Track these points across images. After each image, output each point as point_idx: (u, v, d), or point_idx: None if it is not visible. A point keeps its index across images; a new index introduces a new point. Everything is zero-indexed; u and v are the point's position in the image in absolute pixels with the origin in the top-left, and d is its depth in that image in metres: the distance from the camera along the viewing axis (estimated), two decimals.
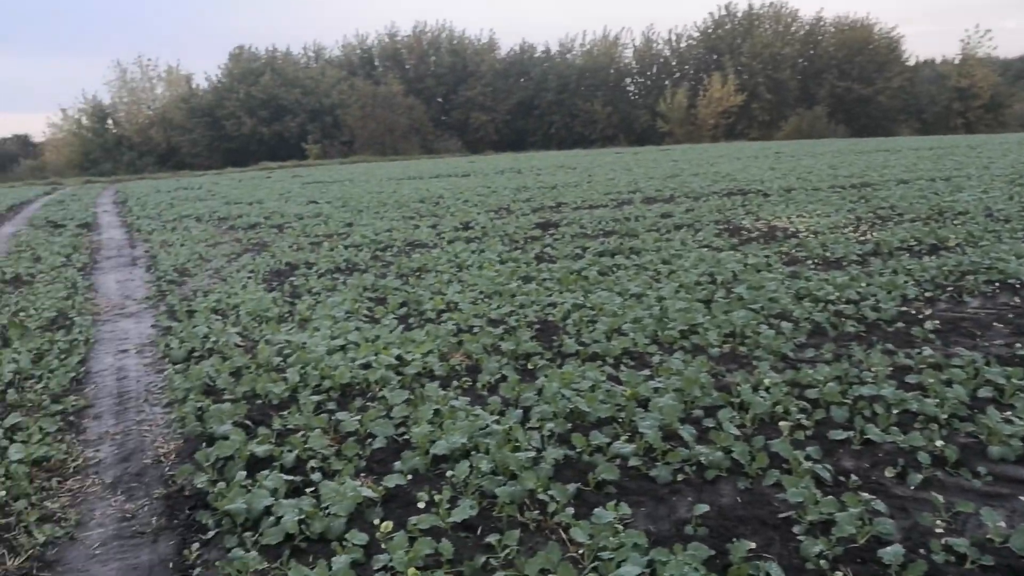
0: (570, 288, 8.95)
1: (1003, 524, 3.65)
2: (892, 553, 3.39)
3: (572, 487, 4.10)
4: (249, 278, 10.69)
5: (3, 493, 4.40)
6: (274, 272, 11.28)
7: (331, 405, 5.52)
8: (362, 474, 4.49)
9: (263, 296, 9.16)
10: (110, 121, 67.66)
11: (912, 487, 4.13)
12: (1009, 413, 4.87)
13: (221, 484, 4.33)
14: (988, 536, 3.58)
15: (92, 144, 64.88)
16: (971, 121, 71.00)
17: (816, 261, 10.36)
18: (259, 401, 5.75)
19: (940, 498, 3.91)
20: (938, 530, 3.69)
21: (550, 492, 4.04)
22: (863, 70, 72.54)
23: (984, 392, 5.23)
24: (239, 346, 7.22)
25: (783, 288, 8.41)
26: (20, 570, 3.71)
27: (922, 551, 3.51)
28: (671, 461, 4.42)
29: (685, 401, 5.28)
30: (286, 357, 6.69)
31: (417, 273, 10.57)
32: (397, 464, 4.53)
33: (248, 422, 5.25)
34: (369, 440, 4.89)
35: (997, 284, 8.63)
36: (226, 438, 4.86)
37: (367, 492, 4.13)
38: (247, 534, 3.87)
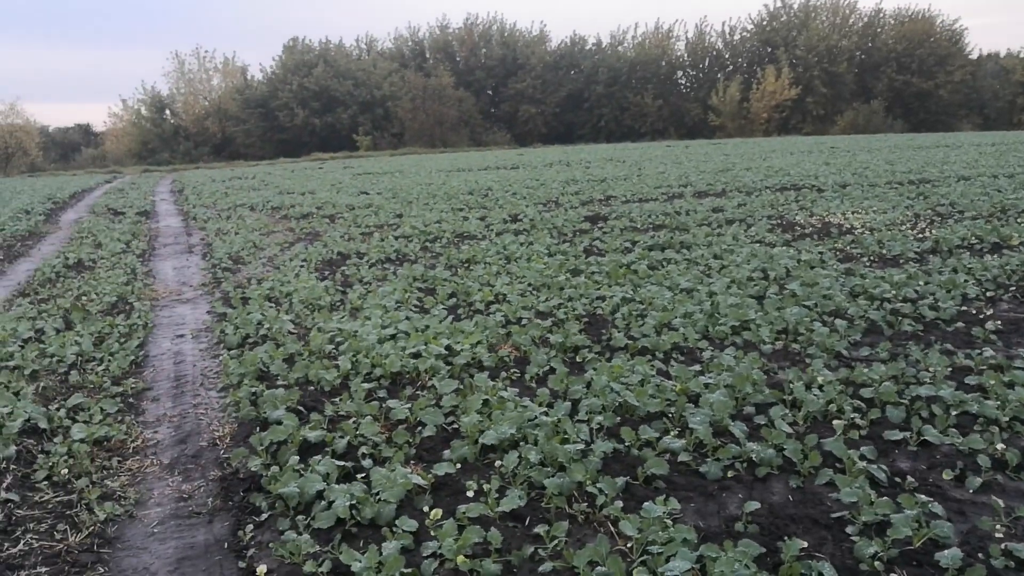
0: (619, 282, 8.90)
1: None
2: (950, 557, 3.31)
3: (621, 480, 4.09)
4: (302, 267, 10.86)
5: (66, 471, 4.55)
6: (326, 261, 11.44)
7: (382, 393, 5.59)
8: (412, 461, 4.53)
9: (315, 285, 9.30)
10: (168, 112, 69.32)
11: (971, 490, 4.02)
12: None
13: (274, 468, 4.42)
14: None
15: (150, 134, 66.57)
16: None
17: (872, 258, 10.15)
18: (311, 387, 5.84)
19: (1000, 502, 3.80)
20: (998, 535, 3.59)
21: (599, 485, 4.03)
22: (923, 63, 70.68)
23: None
24: (292, 333, 7.34)
25: (837, 285, 8.26)
26: (82, 546, 3.84)
27: (980, 556, 3.42)
28: (721, 457, 4.38)
29: (736, 397, 5.22)
30: (338, 345, 6.79)
31: (466, 264, 10.62)
32: (446, 453, 4.56)
33: (301, 408, 5.34)
34: (419, 428, 4.94)
35: None
36: (279, 423, 4.96)
37: (417, 479, 4.17)
38: (299, 517, 3.94)
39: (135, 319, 8.17)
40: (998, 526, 3.66)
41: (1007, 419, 4.75)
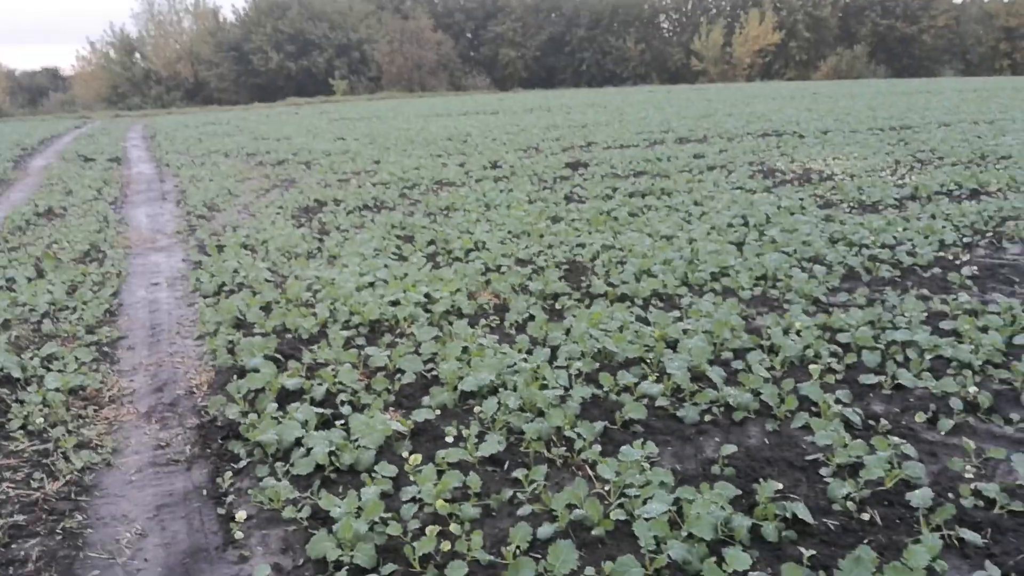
0: (599, 229, 8.87)
1: None
2: (920, 496, 3.37)
3: (599, 425, 4.11)
4: (278, 214, 10.72)
5: (41, 420, 4.51)
6: (303, 208, 11.30)
7: (360, 340, 5.56)
8: (391, 408, 4.53)
9: (292, 232, 9.19)
10: (138, 55, 67.51)
11: (943, 432, 4.09)
12: None
13: (252, 415, 4.40)
14: (1019, 482, 3.55)
15: (120, 78, 64.90)
16: (1017, 63, 68.64)
17: (852, 204, 10.16)
18: (289, 335, 5.80)
19: (971, 444, 3.87)
20: (968, 475, 3.66)
21: (577, 429, 4.06)
22: (907, 7, 70.15)
23: (1020, 339, 5.13)
24: (269, 281, 7.27)
25: (817, 231, 8.27)
26: (59, 494, 3.82)
27: (951, 495, 3.49)
28: (699, 402, 4.41)
29: (714, 343, 5.24)
30: (315, 293, 6.73)
31: (445, 212, 10.53)
32: (426, 399, 4.56)
33: (278, 356, 5.30)
34: (398, 375, 4.93)
35: None
36: (257, 371, 4.93)
37: (396, 426, 4.17)
38: (278, 464, 3.94)
39: (108, 267, 8.05)
40: (968, 467, 3.72)
41: (980, 363, 4.81)
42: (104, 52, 67.14)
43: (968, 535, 3.17)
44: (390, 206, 11.15)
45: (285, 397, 4.68)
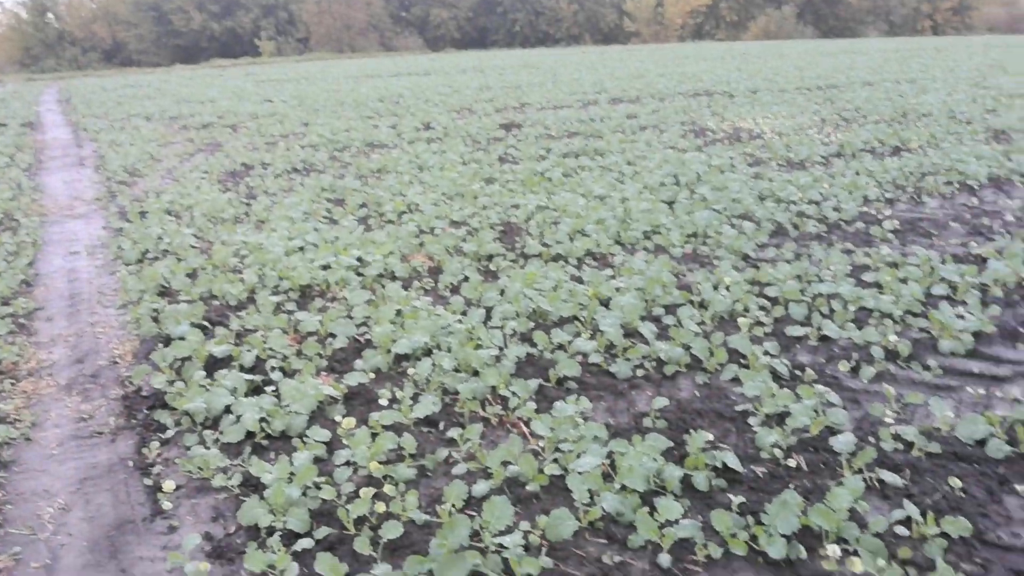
0: (533, 190, 8.84)
1: (950, 414, 3.75)
2: (843, 442, 3.48)
3: (534, 383, 4.13)
4: (203, 179, 10.39)
5: None
6: (229, 173, 10.97)
7: (290, 306, 5.45)
8: (323, 373, 4.46)
9: (218, 197, 8.92)
10: (51, 15, 64.21)
11: (865, 380, 4.22)
12: (961, 309, 4.97)
13: (179, 384, 4.28)
14: (936, 425, 3.69)
15: (33, 39, 61.72)
16: (938, 23, 70.55)
17: (780, 162, 10.34)
18: (216, 302, 5.65)
19: (891, 390, 4.00)
20: (888, 420, 3.79)
21: (512, 388, 4.06)
22: None
23: (938, 289, 5.32)
24: (194, 247, 7.06)
25: (746, 189, 8.40)
26: None
27: (872, 439, 3.61)
28: (631, 357, 4.46)
29: (646, 300, 5.29)
30: (243, 258, 6.56)
31: (377, 174, 10.35)
32: (358, 363, 4.50)
33: (206, 323, 5.16)
34: (330, 340, 4.85)
35: (956, 185, 8.71)
36: (183, 339, 4.79)
37: (328, 390, 4.11)
38: (207, 433, 3.85)
39: (23, 236, 7.70)
40: (888, 412, 3.86)
41: (900, 313, 4.97)
42: (14, 12, 63.70)
43: (888, 476, 3.29)
44: (320, 169, 10.91)
45: (213, 365, 4.56)
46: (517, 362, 4.45)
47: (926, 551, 2.88)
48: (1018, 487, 3.26)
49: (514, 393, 4.04)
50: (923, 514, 3.05)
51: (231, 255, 6.57)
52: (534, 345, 4.67)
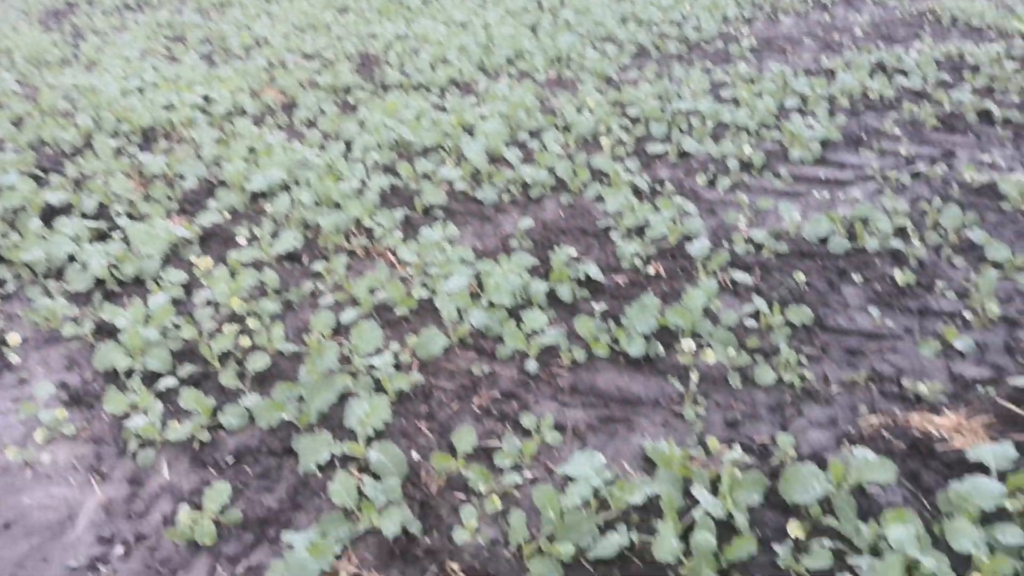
0: (391, 18, 8.38)
1: (798, 216, 3.96)
2: (699, 247, 3.62)
3: (399, 213, 4.05)
4: (21, 19, 9.27)
5: None
6: (50, 12, 9.82)
7: (132, 149, 5.05)
8: (174, 215, 4.22)
9: (40, 38, 8.00)
10: None
11: (721, 191, 4.36)
12: (811, 120, 5.15)
13: (14, 236, 3.95)
14: (785, 228, 3.89)
15: None
16: None
17: None
18: (48, 149, 5.17)
19: (745, 198, 4.16)
20: (741, 226, 3.96)
21: (376, 219, 3.98)
22: None
23: (790, 102, 5.47)
24: (17, 93, 6.37)
25: (609, 12, 8.24)
26: None
27: (726, 244, 3.78)
28: (497, 182, 4.43)
29: (511, 125, 5.21)
30: (74, 102, 5.98)
31: (219, 7, 9.52)
32: (212, 203, 4.27)
33: (38, 171, 4.73)
34: (179, 181, 4.56)
35: (811, 3, 8.84)
36: (13, 188, 4.39)
37: (181, 232, 3.89)
38: (51, 283, 3.61)
39: None
40: (742, 218, 4.02)
41: (755, 126, 5.10)
42: None
43: (740, 276, 3.47)
44: (155, 4, 9.92)
45: (50, 214, 4.22)
46: (381, 193, 4.34)
47: (772, 339, 3.10)
48: (855, 277, 3.51)
49: (379, 224, 3.96)
50: (770, 306, 3.25)
51: (60, 99, 5.97)
52: (398, 176, 4.55)
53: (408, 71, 6.48)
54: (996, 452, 2.38)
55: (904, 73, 6.10)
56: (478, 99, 5.78)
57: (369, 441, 2.55)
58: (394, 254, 3.75)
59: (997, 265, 3.56)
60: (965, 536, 2.11)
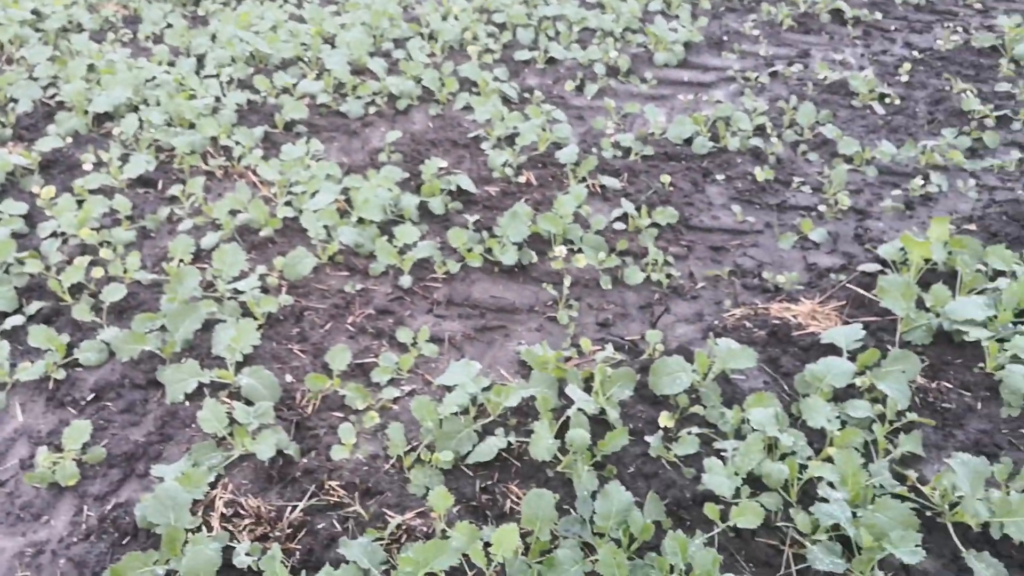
0: None
1: (663, 119, 4.03)
2: (567, 153, 3.63)
3: (259, 130, 3.85)
4: None
5: None
6: None
7: None
8: (9, 143, 3.87)
9: None
10: None
11: (589, 97, 4.36)
12: (675, 22, 5.19)
13: None
14: (650, 131, 3.95)
15: None
16: None
17: None
18: None
19: (612, 103, 4.18)
20: (608, 131, 3.99)
21: (234, 138, 3.77)
22: None
23: (654, 6, 5.47)
24: None
25: None
26: None
27: (594, 150, 3.81)
28: (362, 95, 4.27)
29: (374, 35, 5.00)
30: None
31: None
32: (51, 128, 3.93)
33: None
34: (11, 106, 4.16)
35: None
36: None
37: (18, 159, 3.57)
38: None
39: None
40: (609, 124, 4.05)
41: (620, 30, 5.10)
42: None
43: (608, 181, 3.51)
44: None
45: None
46: (238, 110, 4.11)
47: (640, 241, 3.17)
48: (718, 176, 3.62)
49: (238, 143, 3.76)
50: (638, 209, 3.32)
51: None
52: (256, 91, 4.31)
53: None
54: (847, 334, 2.55)
55: None
56: (338, 7, 5.51)
57: (239, 367, 2.47)
58: (255, 173, 3.58)
59: (848, 159, 3.74)
60: (819, 413, 2.26)
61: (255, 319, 2.67)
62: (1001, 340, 2.51)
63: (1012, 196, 3.42)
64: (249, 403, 2.35)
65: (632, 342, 2.69)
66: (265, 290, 2.85)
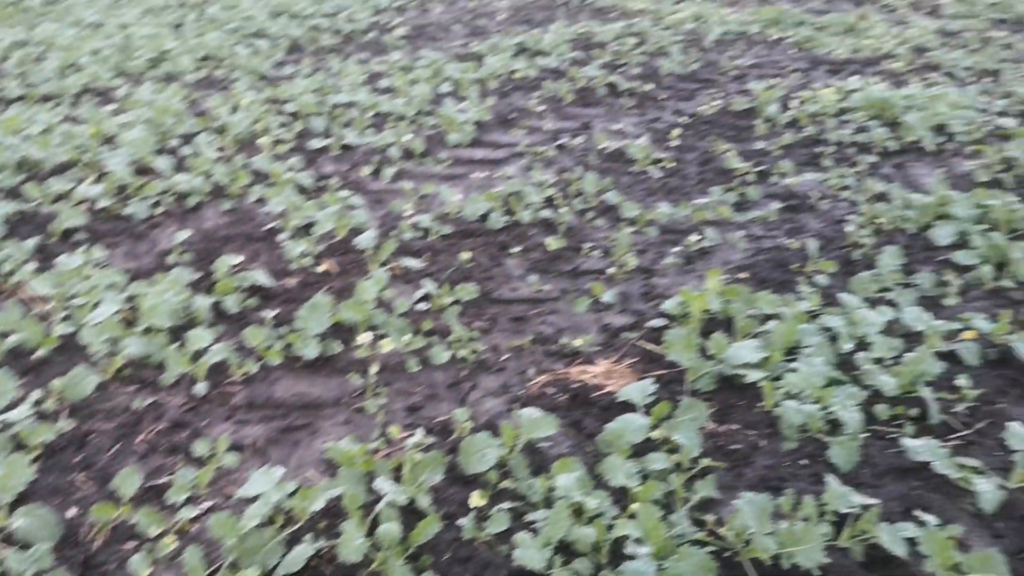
0: (8, 23, 7.38)
1: (459, 197, 4.14)
2: (366, 238, 3.64)
3: (31, 242, 3.59)
4: None
5: None
6: None
7: None
8: None
9: None
10: None
11: (385, 181, 4.42)
12: (464, 104, 5.39)
13: None
14: (447, 210, 4.04)
15: None
16: None
17: None
18: None
19: (409, 185, 4.26)
20: (407, 213, 4.05)
21: (3, 252, 3.50)
22: None
23: (444, 88, 5.68)
24: None
25: (259, 6, 7.97)
26: None
27: (394, 232, 3.84)
28: (148, 195, 4.10)
29: (159, 132, 4.84)
30: None
31: None
32: None
33: None
34: None
35: None
36: None
37: None
38: None
39: None
40: (407, 205, 4.11)
41: (413, 113, 5.23)
42: None
43: (409, 262, 3.54)
44: None
45: None
46: (7, 221, 3.82)
47: (444, 319, 3.21)
48: (514, 249, 3.75)
49: (7, 257, 3.49)
50: (440, 287, 3.36)
51: None
52: (28, 200, 4.04)
53: (33, 81, 5.77)
54: (640, 389, 2.68)
55: (544, 54, 6.60)
56: (118, 106, 5.30)
57: (12, 508, 2.24)
58: (27, 289, 3.32)
59: (631, 222, 3.99)
60: (620, 471, 2.35)
61: (29, 451, 2.44)
62: (776, 379, 2.73)
63: (775, 244, 3.77)
64: (25, 547, 2.13)
65: (441, 423, 2.69)
66: (42, 416, 2.62)
